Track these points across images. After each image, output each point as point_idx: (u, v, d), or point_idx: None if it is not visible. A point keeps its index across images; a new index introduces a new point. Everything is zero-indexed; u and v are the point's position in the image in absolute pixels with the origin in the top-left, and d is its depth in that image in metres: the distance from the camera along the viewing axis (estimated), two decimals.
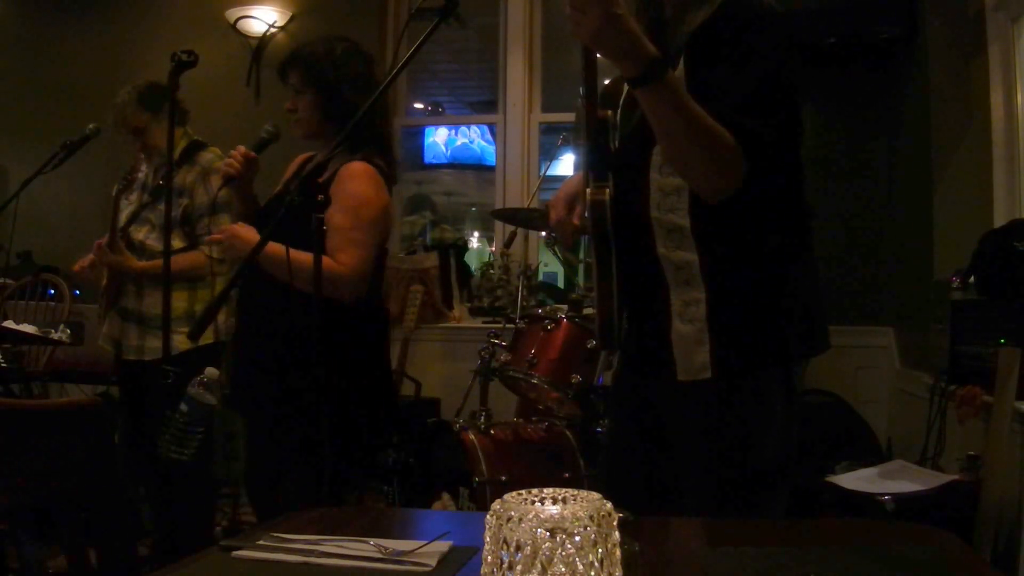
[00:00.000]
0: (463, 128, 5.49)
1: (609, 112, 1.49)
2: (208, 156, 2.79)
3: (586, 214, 1.45)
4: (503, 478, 2.74)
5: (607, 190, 1.43)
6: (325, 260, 1.87)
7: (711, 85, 1.36)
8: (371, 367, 2.20)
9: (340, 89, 2.15)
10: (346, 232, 2.03)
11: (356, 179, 2.09)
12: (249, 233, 2.00)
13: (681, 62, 1.41)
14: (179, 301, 2.73)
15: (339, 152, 2.09)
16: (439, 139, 5.46)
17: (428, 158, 5.50)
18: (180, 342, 2.54)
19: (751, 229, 1.43)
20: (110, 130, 2.97)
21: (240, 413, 2.35)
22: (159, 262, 2.52)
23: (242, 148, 2.11)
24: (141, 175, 2.90)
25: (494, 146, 4.77)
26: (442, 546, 1.03)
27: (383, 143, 2.21)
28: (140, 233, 2.80)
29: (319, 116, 2.17)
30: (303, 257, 1.84)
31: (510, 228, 3.94)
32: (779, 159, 1.40)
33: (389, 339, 2.38)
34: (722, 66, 1.37)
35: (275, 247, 1.88)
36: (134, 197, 2.87)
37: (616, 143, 1.50)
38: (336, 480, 2.05)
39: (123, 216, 2.82)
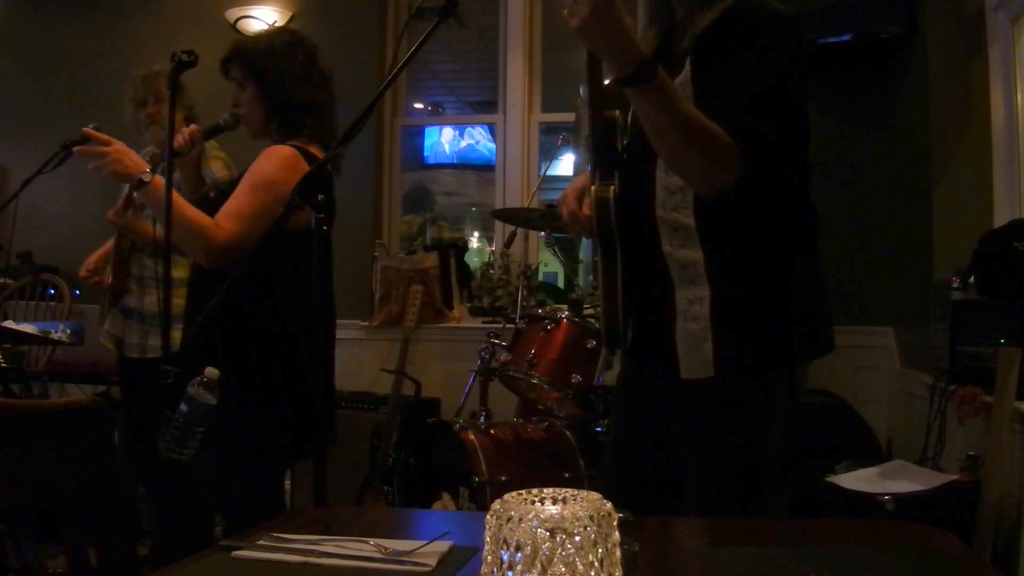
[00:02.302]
0: (468, 129, 5.49)
1: (617, 112, 1.49)
2: (205, 146, 2.79)
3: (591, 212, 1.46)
4: (503, 478, 2.74)
5: (612, 187, 1.43)
6: (205, 220, 1.94)
7: (715, 84, 1.36)
8: (278, 370, 2.13)
9: (280, 81, 2.12)
10: (237, 200, 2.02)
11: (268, 158, 2.07)
12: (139, 162, 1.99)
13: (688, 63, 1.41)
14: (180, 299, 2.73)
15: (276, 138, 2.13)
16: (444, 139, 5.47)
17: (433, 158, 5.51)
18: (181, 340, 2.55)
19: (756, 228, 1.43)
20: (109, 129, 2.96)
21: None
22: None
23: (193, 127, 2.16)
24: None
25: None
26: (442, 546, 1.03)
27: (325, 136, 2.18)
28: (148, 224, 2.82)
29: (262, 110, 2.15)
30: (188, 211, 1.92)
31: (510, 228, 3.94)
32: (784, 159, 1.40)
33: (314, 342, 2.23)
34: (727, 66, 1.37)
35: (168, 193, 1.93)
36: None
37: (623, 142, 1.50)
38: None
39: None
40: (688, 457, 1.49)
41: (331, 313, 2.22)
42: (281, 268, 2.02)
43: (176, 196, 1.99)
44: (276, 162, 2.07)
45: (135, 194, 2.02)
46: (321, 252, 2.05)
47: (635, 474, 1.58)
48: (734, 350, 1.42)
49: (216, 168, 2.75)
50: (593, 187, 1.45)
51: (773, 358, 1.44)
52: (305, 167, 2.06)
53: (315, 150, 2.15)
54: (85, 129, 2.02)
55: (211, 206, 2.23)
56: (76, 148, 2.04)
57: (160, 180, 1.95)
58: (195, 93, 2.93)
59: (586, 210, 1.52)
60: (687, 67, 1.41)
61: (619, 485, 1.57)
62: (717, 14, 1.41)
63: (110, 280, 2.82)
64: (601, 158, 1.46)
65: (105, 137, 1.99)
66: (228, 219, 1.99)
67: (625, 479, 1.58)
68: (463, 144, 5.46)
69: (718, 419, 1.45)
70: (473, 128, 5.49)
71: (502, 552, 0.65)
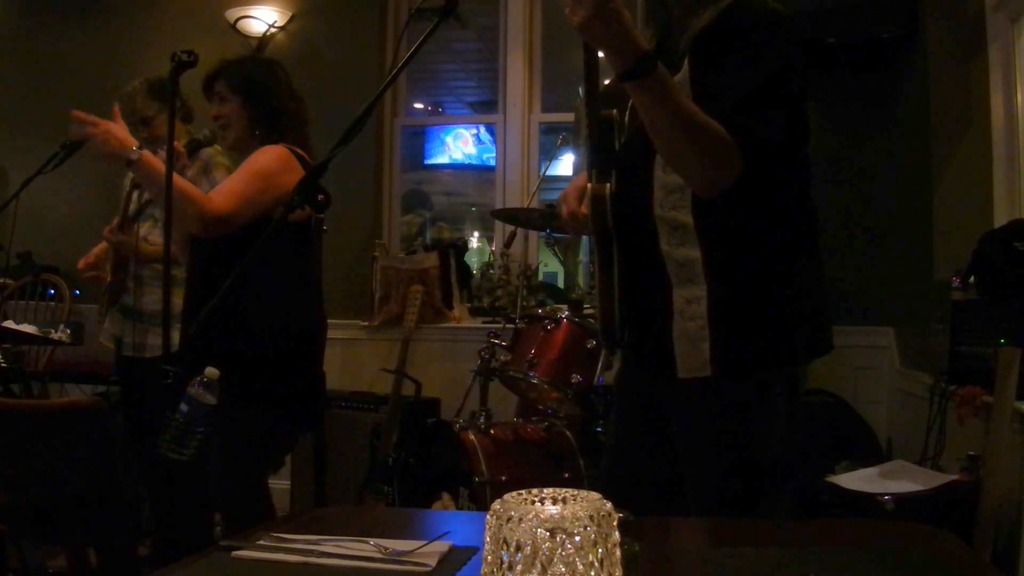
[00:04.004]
0: (483, 135, 5.48)
1: (615, 111, 1.49)
2: (208, 151, 2.80)
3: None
4: (503, 478, 2.74)
5: (607, 185, 1.43)
6: (199, 192, 2.10)
7: (713, 84, 1.36)
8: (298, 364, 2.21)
9: (268, 92, 2.30)
10: (230, 182, 2.19)
11: (264, 153, 2.22)
12: (126, 141, 2.06)
13: (686, 63, 1.41)
14: (178, 298, 2.73)
15: (259, 145, 2.26)
16: (463, 145, 5.46)
17: (442, 160, 5.51)
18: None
19: (755, 227, 1.43)
20: None
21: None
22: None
23: (177, 143, 2.26)
24: None
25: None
26: (442, 546, 1.03)
27: (305, 141, 2.35)
28: (143, 229, 2.81)
29: (245, 122, 2.31)
30: (183, 182, 2.04)
31: (510, 228, 3.94)
32: (782, 158, 1.40)
33: (323, 340, 2.34)
34: (725, 66, 1.37)
35: (154, 160, 2.05)
36: (136, 196, 2.87)
37: (620, 141, 1.50)
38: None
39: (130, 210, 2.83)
40: (687, 456, 1.49)
41: (321, 310, 2.35)
42: (276, 259, 2.05)
43: (175, 177, 2.08)
44: (271, 156, 2.21)
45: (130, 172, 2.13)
46: (319, 251, 2.12)
47: (634, 473, 1.58)
48: (732, 350, 1.42)
49: (219, 177, 2.75)
50: (589, 184, 1.45)
51: (771, 358, 1.44)
52: (297, 165, 2.21)
53: (301, 152, 2.23)
54: (73, 112, 2.09)
55: None
56: (74, 122, 2.09)
57: (148, 155, 2.08)
58: (195, 93, 2.92)
59: (585, 209, 1.52)
60: (685, 67, 1.41)
61: (618, 484, 1.57)
62: (715, 14, 1.41)
63: (108, 279, 2.81)
64: (599, 157, 1.46)
65: (92, 119, 2.07)
66: (221, 195, 2.14)
67: (624, 478, 1.58)
68: (471, 149, 5.46)
69: (716, 418, 1.45)
70: (477, 132, 5.49)
71: (502, 552, 0.65)
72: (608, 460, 1.68)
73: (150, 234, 2.82)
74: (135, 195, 2.85)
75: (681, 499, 1.49)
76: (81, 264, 2.90)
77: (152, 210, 2.81)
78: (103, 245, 3.03)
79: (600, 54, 1.33)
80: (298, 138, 2.32)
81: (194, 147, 2.36)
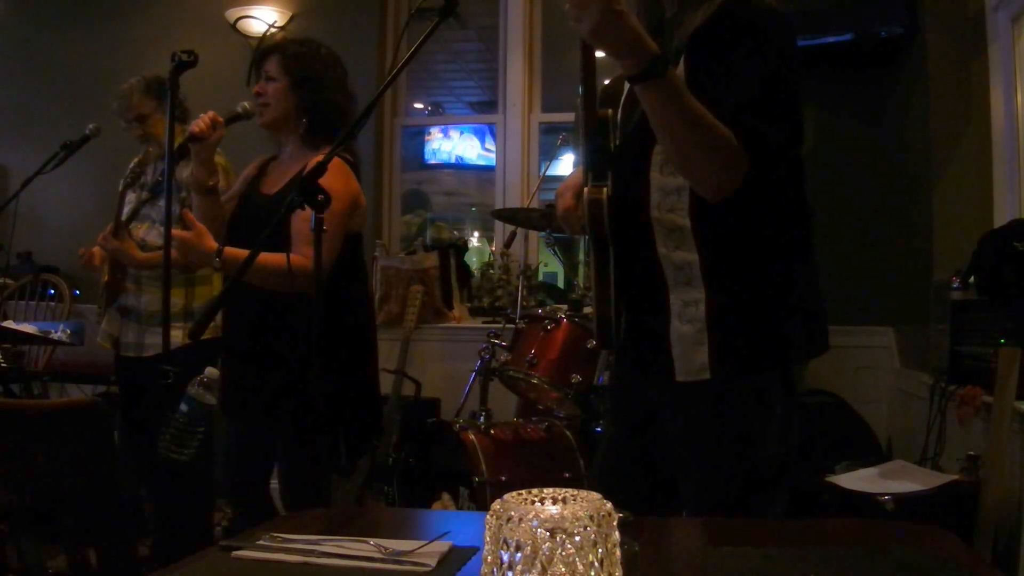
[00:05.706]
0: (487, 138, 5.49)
1: (610, 111, 1.49)
2: None
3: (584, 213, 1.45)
4: (503, 478, 2.74)
5: (604, 189, 1.43)
6: (291, 260, 1.90)
7: (712, 85, 1.35)
8: (357, 362, 2.23)
9: (323, 84, 2.23)
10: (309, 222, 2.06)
11: (327, 178, 2.11)
12: (205, 241, 1.99)
13: (681, 63, 1.41)
14: (177, 298, 2.73)
15: (305, 148, 2.21)
16: (470, 148, 5.46)
17: (439, 160, 5.52)
18: (178, 337, 2.54)
19: (752, 229, 1.42)
20: (109, 129, 2.96)
21: (226, 414, 2.26)
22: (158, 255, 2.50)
23: (212, 112, 2.19)
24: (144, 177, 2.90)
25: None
26: (442, 546, 1.03)
27: (351, 146, 2.28)
28: (141, 230, 2.81)
29: (292, 106, 2.23)
30: (266, 258, 1.89)
31: (510, 228, 3.94)
32: (781, 159, 1.40)
33: (375, 333, 2.37)
34: (723, 66, 1.36)
35: (237, 253, 1.94)
36: (133, 197, 2.87)
37: (616, 142, 1.50)
38: (326, 478, 2.10)
39: (124, 213, 2.82)
40: (685, 458, 1.48)
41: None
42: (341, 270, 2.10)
43: (256, 256, 2.01)
44: (329, 174, 2.09)
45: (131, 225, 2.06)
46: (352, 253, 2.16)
47: (627, 474, 1.57)
48: (730, 352, 1.41)
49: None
50: (586, 188, 1.44)
51: (768, 359, 1.44)
52: (349, 171, 2.17)
53: (345, 154, 2.21)
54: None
55: (263, 217, 2.20)
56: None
57: (230, 250, 1.99)
58: (195, 93, 2.92)
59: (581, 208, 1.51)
60: (681, 66, 1.41)
61: (611, 485, 1.57)
62: (710, 12, 1.41)
63: (107, 279, 2.81)
64: (594, 158, 1.46)
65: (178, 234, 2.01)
66: (308, 245, 1.93)
67: (617, 479, 1.58)
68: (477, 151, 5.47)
69: (715, 421, 1.45)
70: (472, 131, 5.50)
71: (502, 552, 0.66)
72: (601, 460, 1.67)
73: (148, 235, 2.81)
74: (128, 197, 2.85)
75: (675, 500, 1.49)
76: (82, 251, 2.90)
77: (148, 211, 2.81)
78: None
79: (600, 54, 1.32)
80: (340, 128, 2.24)
81: (234, 119, 2.25)
